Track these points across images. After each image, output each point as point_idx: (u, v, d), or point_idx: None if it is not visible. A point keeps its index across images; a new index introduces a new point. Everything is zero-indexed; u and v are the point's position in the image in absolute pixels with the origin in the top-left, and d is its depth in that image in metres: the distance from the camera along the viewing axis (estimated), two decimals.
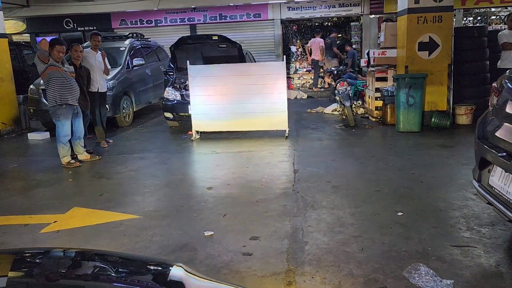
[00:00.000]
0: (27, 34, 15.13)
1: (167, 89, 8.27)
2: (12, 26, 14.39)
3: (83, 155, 6.04)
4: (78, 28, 14.44)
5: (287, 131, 7.19)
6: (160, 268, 1.63)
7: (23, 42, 13.02)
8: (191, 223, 3.81)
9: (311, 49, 13.37)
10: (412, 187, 4.53)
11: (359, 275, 2.84)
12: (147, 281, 1.52)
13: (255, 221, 3.79)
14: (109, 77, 8.34)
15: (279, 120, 7.17)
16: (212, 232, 3.55)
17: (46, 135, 7.99)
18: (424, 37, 7.36)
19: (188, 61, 7.22)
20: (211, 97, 7.24)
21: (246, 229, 3.62)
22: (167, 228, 3.71)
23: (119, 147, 7.06)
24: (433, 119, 7.33)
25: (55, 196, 4.78)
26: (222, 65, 7.22)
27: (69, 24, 14.43)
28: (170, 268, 1.53)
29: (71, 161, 5.77)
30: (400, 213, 3.80)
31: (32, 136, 7.98)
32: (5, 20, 9.32)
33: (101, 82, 7.12)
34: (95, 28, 13.81)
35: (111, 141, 7.40)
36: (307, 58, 14.23)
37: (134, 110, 9.37)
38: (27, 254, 1.70)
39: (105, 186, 5.04)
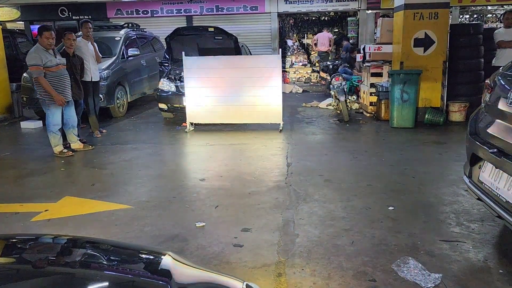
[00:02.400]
0: (21, 22, 14.96)
1: (161, 80, 8.23)
2: (6, 13, 14.22)
3: (76, 144, 6.01)
4: (73, 17, 14.29)
5: (281, 125, 7.19)
6: (151, 257, 1.62)
7: (17, 29, 12.87)
8: (183, 214, 3.82)
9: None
10: (404, 182, 4.56)
11: (349, 268, 2.86)
12: (138, 269, 1.52)
13: (247, 213, 3.80)
14: (103, 66, 8.32)
15: (274, 113, 7.17)
16: (204, 223, 3.56)
17: (39, 123, 7.92)
18: (420, 33, 7.36)
19: (183, 53, 7.18)
20: (206, 89, 7.21)
21: (238, 221, 3.63)
22: (159, 219, 3.71)
23: (113, 137, 7.03)
24: (426, 116, 7.36)
25: (47, 185, 4.76)
26: (217, 57, 7.19)
27: (64, 12, 14.28)
28: (162, 257, 1.52)
29: (63, 150, 5.74)
30: (391, 208, 3.83)
31: (25, 124, 7.92)
32: None
33: (94, 71, 7.07)
34: (90, 17, 13.70)
35: (104, 131, 7.36)
36: (311, 50, 14.32)
37: (129, 100, 9.31)
38: (17, 240, 1.69)
39: (98, 175, 5.02)
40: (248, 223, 3.57)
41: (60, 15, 14.30)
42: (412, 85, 7.06)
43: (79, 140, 6.19)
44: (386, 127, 7.34)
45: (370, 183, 4.52)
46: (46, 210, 3.93)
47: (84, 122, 7.18)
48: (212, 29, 8.27)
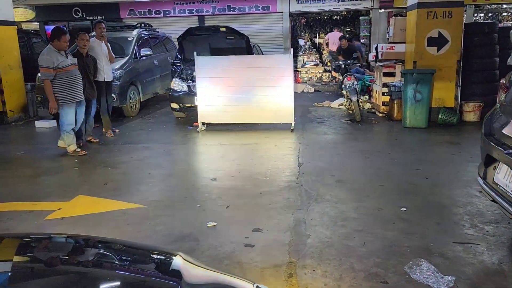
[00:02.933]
0: (36, 23, 15.16)
1: (173, 80, 8.27)
2: (22, 14, 14.42)
3: (70, 146, 5.86)
4: (87, 17, 14.43)
5: (292, 125, 7.17)
6: (162, 257, 1.63)
7: (32, 30, 13.03)
8: (194, 213, 3.83)
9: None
10: (416, 183, 4.51)
11: (360, 269, 2.84)
12: (148, 270, 1.52)
13: (258, 213, 3.80)
14: (116, 66, 8.39)
15: (285, 113, 7.15)
16: (215, 223, 3.57)
17: (53, 123, 8.01)
18: (434, 32, 7.28)
19: (195, 52, 7.21)
20: (217, 88, 7.23)
21: (249, 221, 3.62)
22: (170, 218, 3.73)
23: (125, 136, 7.09)
24: (440, 116, 7.27)
25: (60, 184, 4.82)
26: (229, 57, 7.21)
27: (77, 13, 14.44)
28: (173, 257, 1.53)
29: (77, 149, 5.81)
30: (403, 209, 3.79)
31: (39, 124, 8.04)
32: (14, 8, 9.35)
33: (107, 71, 7.13)
34: (103, 17, 13.82)
35: (117, 130, 7.43)
36: (323, 49, 14.26)
37: (141, 100, 9.38)
38: (31, 239, 1.72)
39: (110, 175, 5.07)
40: (259, 223, 3.56)
41: (74, 15, 14.46)
42: (425, 84, 6.98)
43: (89, 140, 6.30)
44: (398, 127, 7.27)
45: (382, 184, 4.48)
46: (59, 209, 3.97)
47: (97, 121, 7.25)
48: (224, 29, 8.28)
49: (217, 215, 3.77)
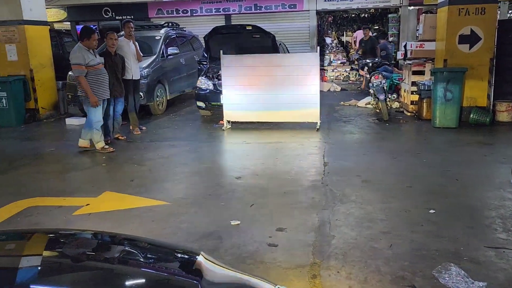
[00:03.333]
0: (67, 22, 15.58)
1: (200, 78, 8.32)
2: (54, 14, 14.84)
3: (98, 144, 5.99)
4: (116, 17, 14.72)
5: (318, 123, 7.10)
6: (183, 256, 1.63)
7: (63, 30, 13.39)
8: (218, 211, 3.83)
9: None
10: (446, 184, 4.37)
11: (386, 272, 2.77)
12: (170, 268, 1.53)
13: (282, 212, 3.77)
14: (144, 65, 8.52)
15: (311, 112, 7.08)
16: (239, 222, 3.56)
17: (83, 120, 8.17)
18: (465, 30, 7.05)
19: (221, 51, 7.23)
20: (243, 87, 7.23)
21: (273, 220, 3.60)
22: (195, 216, 3.75)
23: (152, 134, 7.18)
24: (471, 115, 7.05)
25: (89, 180, 4.93)
26: (254, 55, 7.20)
27: (107, 12, 14.74)
28: (194, 256, 1.53)
29: (105, 146, 5.92)
30: (432, 211, 3.68)
31: (69, 121, 8.25)
32: (47, 8, 9.62)
33: (135, 70, 7.24)
34: (132, 17, 14.07)
35: (144, 128, 7.54)
36: (350, 48, 14.08)
37: (168, 98, 9.49)
38: (59, 235, 1.75)
39: (137, 172, 5.14)
40: (283, 223, 3.53)
41: (104, 15, 14.77)
42: (456, 83, 6.77)
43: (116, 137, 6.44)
44: (428, 126, 7.09)
45: (410, 185, 4.37)
46: (87, 205, 4.06)
47: (125, 119, 7.38)
48: (250, 28, 8.26)
49: (241, 213, 3.76)
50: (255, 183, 4.59)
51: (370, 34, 12.51)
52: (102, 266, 1.46)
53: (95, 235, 1.81)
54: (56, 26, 14.58)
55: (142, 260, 1.56)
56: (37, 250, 1.54)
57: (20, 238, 1.67)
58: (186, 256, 1.61)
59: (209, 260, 1.51)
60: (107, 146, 5.95)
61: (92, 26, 15.67)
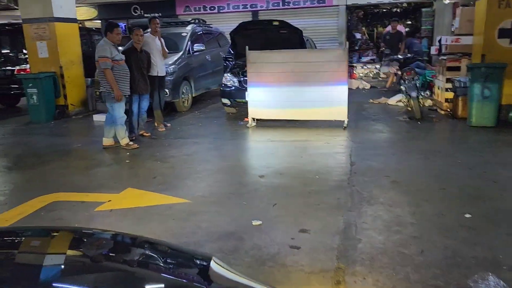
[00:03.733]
0: (98, 20, 15.85)
1: (225, 75, 8.23)
2: (85, 12, 15.13)
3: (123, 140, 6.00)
4: (145, 15, 14.84)
5: (346, 122, 6.88)
6: (194, 260, 1.57)
7: (93, 28, 13.62)
8: (240, 211, 3.71)
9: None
10: (483, 187, 4.10)
11: (417, 281, 2.58)
12: (180, 271, 1.47)
13: (306, 213, 3.62)
14: (170, 62, 8.51)
15: (338, 109, 6.87)
16: (261, 222, 3.43)
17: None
18: (506, 23, 6.66)
19: (247, 47, 7.11)
20: (268, 83, 7.09)
21: (296, 221, 3.45)
22: (216, 215, 3.64)
23: (176, 131, 7.15)
24: (511, 114, 6.65)
25: (112, 176, 4.91)
26: (281, 51, 7.03)
27: (136, 10, 14.91)
28: (205, 261, 1.49)
29: (129, 143, 5.92)
30: (467, 215, 3.44)
31: (97, 117, 8.33)
32: (77, 6, 9.78)
33: (160, 66, 7.22)
34: (160, 14, 14.15)
35: (168, 125, 7.52)
36: (379, 44, 13.70)
37: (193, 95, 9.47)
38: (82, 234, 1.70)
39: (159, 169, 5.09)
40: (307, 224, 3.38)
41: (133, 13, 14.94)
42: (495, 80, 6.40)
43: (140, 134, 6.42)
44: (463, 125, 6.74)
45: (444, 187, 4.12)
46: (109, 201, 4.02)
47: (150, 116, 7.38)
48: (276, 23, 8.11)
49: (263, 213, 3.63)
50: (278, 182, 4.45)
51: (403, 29, 12.10)
52: (110, 267, 1.41)
53: (109, 235, 1.75)
54: (87, 24, 14.86)
55: (151, 263, 1.50)
56: (61, 249, 1.51)
57: (40, 234, 1.65)
58: (197, 261, 1.54)
59: (220, 266, 1.43)
60: (131, 143, 5.95)
61: (121, 24, 15.97)
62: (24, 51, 9.38)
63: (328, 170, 4.79)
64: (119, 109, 5.77)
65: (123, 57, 5.86)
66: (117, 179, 4.76)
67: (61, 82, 8.67)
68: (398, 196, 3.94)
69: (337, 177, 4.53)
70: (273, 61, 7.02)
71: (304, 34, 8.61)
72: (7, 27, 10.55)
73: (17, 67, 9.83)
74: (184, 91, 9.06)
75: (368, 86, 12.11)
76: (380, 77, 13.06)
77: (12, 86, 9.62)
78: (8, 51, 10.46)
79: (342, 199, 3.91)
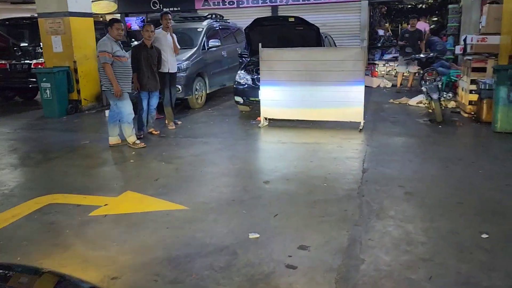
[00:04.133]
0: (118, 14, 15.85)
1: (238, 72, 8.02)
2: (105, 6, 15.14)
3: (130, 138, 5.85)
4: (163, 9, 14.75)
5: (362, 124, 6.58)
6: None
7: None
8: (239, 221, 3.51)
9: None
10: (505, 202, 3.77)
11: None
12: None
13: (309, 226, 3.38)
14: (183, 58, 8.35)
15: (354, 111, 6.57)
16: (258, 235, 3.21)
17: None
18: None
19: (260, 44, 6.87)
20: (282, 82, 6.85)
21: (297, 235, 3.22)
22: (213, 224, 3.45)
23: (186, 129, 6.99)
24: None
25: (114, 177, 4.79)
26: (295, 49, 6.77)
27: (155, 4, 14.82)
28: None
29: (136, 141, 5.78)
30: (485, 235, 3.14)
31: (108, 113, 8.24)
32: (97, 0, 9.70)
33: (172, 63, 7.06)
34: (179, 8, 14.03)
35: (179, 122, 7.37)
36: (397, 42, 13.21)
37: (207, 92, 9.30)
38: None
39: (163, 170, 4.94)
40: (308, 239, 3.14)
41: (152, 7, 14.86)
42: None
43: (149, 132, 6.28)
44: (487, 131, 6.34)
45: (462, 201, 3.81)
46: (105, 205, 3.88)
47: (162, 112, 7.25)
48: (292, 19, 7.82)
49: (263, 224, 3.42)
50: (283, 189, 4.22)
51: (426, 26, 11.60)
52: None
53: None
54: (108, 18, 14.86)
55: None
56: None
57: None
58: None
59: None
60: (138, 141, 5.80)
61: (140, 18, 15.93)
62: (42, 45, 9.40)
63: (337, 177, 4.53)
64: (125, 106, 5.64)
65: (125, 54, 5.71)
66: (118, 181, 4.63)
67: (74, 77, 8.63)
68: (410, 210, 3.65)
69: (347, 186, 4.27)
70: (287, 59, 6.76)
71: (323, 31, 8.31)
72: (25, 21, 10.58)
73: (34, 61, 9.86)
74: (198, 88, 8.90)
75: (389, 84, 11.69)
76: (394, 76, 12.59)
77: (30, 79, 9.65)
78: (26, 44, 10.52)
79: (350, 210, 3.65)
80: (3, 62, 10.18)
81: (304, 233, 3.26)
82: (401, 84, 10.47)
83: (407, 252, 2.94)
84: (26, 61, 9.87)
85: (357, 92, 6.50)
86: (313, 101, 6.73)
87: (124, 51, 5.75)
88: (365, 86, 7.30)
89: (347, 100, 6.56)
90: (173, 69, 7.15)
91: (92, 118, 8.27)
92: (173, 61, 7.14)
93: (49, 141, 6.56)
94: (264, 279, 2.65)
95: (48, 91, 8.29)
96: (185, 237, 3.23)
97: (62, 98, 8.44)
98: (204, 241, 3.16)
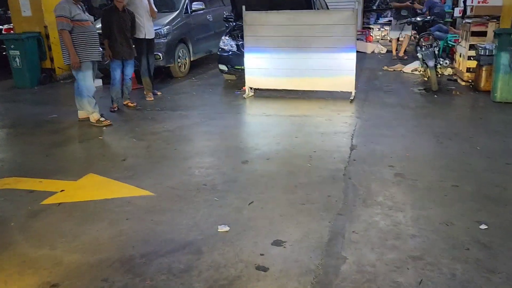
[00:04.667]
0: None
1: (222, 37, 7.48)
2: None
3: (91, 115, 5.31)
4: None
5: (353, 94, 6.14)
6: None
7: None
8: (208, 210, 3.12)
9: None
10: (505, 185, 3.40)
11: None
12: None
13: (287, 215, 3.00)
14: (163, 22, 7.76)
15: (345, 80, 6.13)
16: (228, 228, 2.84)
17: (99, 82, 7.66)
18: None
19: (243, 6, 6.30)
20: (268, 49, 6.34)
21: (272, 227, 2.85)
22: (178, 215, 3.06)
23: (165, 101, 6.52)
24: None
25: (77, 157, 4.38)
26: (281, 12, 6.20)
27: None
28: None
29: (100, 119, 5.27)
30: (483, 226, 2.78)
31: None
32: None
33: (148, 28, 6.50)
34: None
35: (159, 93, 6.89)
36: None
37: (192, 59, 8.75)
38: None
39: (133, 148, 4.51)
40: (284, 232, 2.77)
41: None
42: None
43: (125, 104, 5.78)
44: (486, 101, 5.93)
45: (457, 183, 3.44)
46: (62, 191, 3.48)
47: (140, 83, 6.75)
48: None
49: (235, 214, 3.04)
50: (263, 170, 3.82)
51: None
52: None
53: None
54: None
55: None
56: None
57: None
58: None
59: None
60: (103, 119, 5.27)
61: None
62: None
63: (323, 156, 4.12)
64: (85, 79, 5.11)
65: (88, 17, 5.12)
66: (82, 161, 4.21)
67: (46, 44, 8.02)
68: (401, 195, 3.28)
69: (332, 165, 3.87)
70: (273, 23, 6.22)
71: None
72: None
73: (6, 26, 9.18)
74: (181, 55, 8.34)
75: (384, 50, 11.16)
76: (399, 40, 11.99)
77: (2, 46, 9.01)
78: None
79: (334, 196, 3.27)
80: None
81: (280, 225, 2.88)
82: (396, 50, 9.91)
83: (395, 248, 2.58)
84: None
85: (349, 60, 6.03)
86: (301, 70, 6.26)
87: (87, 14, 5.16)
88: (359, 52, 6.80)
89: (338, 69, 6.10)
90: (150, 35, 6.59)
91: (66, 88, 7.72)
92: (150, 26, 6.57)
93: (15, 115, 6.08)
94: (229, 284, 2.29)
95: (17, 60, 7.70)
96: (145, 232, 2.85)
97: (34, 66, 7.87)
98: (165, 237, 2.78)
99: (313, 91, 6.44)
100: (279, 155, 4.20)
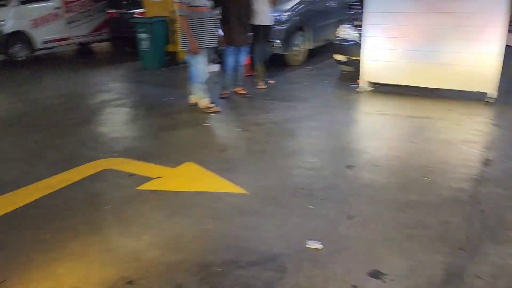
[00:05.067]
0: None
1: (341, 26, 6.94)
2: None
3: (202, 101, 5.30)
4: None
5: (492, 95, 5.18)
6: None
7: None
8: (301, 219, 2.79)
9: None
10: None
11: None
12: None
13: (391, 240, 2.53)
14: (284, 8, 7.53)
15: (483, 77, 5.21)
16: (320, 246, 2.48)
17: (216, 67, 7.75)
18: None
19: None
20: (390, 39, 5.69)
21: (371, 253, 2.42)
22: (267, 221, 2.79)
23: (276, 90, 6.30)
24: None
25: (179, 143, 4.40)
26: None
27: None
28: None
29: (209, 105, 5.24)
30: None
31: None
32: None
33: (266, 14, 6.28)
34: None
35: (272, 81, 6.69)
36: None
37: (310, 48, 8.39)
38: None
39: (234, 139, 4.39)
40: (384, 262, 2.32)
41: None
42: None
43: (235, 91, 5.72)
44: None
45: None
46: (158, 177, 3.47)
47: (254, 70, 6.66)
48: None
49: (330, 229, 2.66)
50: (369, 179, 3.35)
51: None
52: None
53: None
54: None
55: None
56: None
57: None
58: None
59: None
60: (212, 105, 5.25)
61: None
62: None
63: (445, 169, 3.48)
64: (198, 64, 5.10)
65: (205, 3, 5.05)
66: (182, 148, 4.21)
67: (172, 28, 8.38)
68: None
69: (456, 183, 3.23)
70: (400, 11, 5.53)
71: None
72: None
73: (138, 10, 9.86)
74: (299, 43, 8.04)
75: None
76: None
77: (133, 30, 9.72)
78: None
79: (454, 224, 2.69)
80: (113, 11, 10.44)
81: (382, 251, 2.43)
82: None
83: None
84: (131, 11, 9.92)
85: (491, 55, 5.09)
86: (429, 64, 5.49)
87: (205, 0, 5.12)
88: (508, 46, 5.72)
89: (476, 65, 5.21)
90: (267, 22, 6.38)
91: (185, 72, 7.96)
92: (268, 12, 6.35)
93: (135, 96, 6.45)
94: None
95: (146, 42, 8.19)
96: (229, 236, 2.64)
97: (160, 50, 8.29)
98: (248, 245, 2.53)
99: (440, 89, 5.61)
100: (390, 163, 3.66)
